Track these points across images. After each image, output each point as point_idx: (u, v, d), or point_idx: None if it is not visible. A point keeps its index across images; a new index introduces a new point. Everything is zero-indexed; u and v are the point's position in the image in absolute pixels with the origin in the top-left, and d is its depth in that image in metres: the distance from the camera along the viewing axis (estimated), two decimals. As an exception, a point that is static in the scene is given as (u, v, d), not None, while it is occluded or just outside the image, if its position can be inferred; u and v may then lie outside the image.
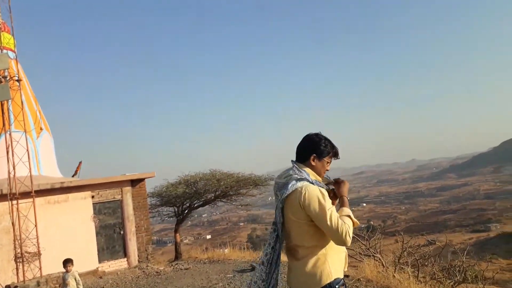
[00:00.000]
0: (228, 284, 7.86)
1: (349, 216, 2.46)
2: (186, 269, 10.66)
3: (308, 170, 2.62)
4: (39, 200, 10.36)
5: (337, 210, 2.51)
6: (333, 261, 2.47)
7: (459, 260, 10.12)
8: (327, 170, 2.72)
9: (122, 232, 11.95)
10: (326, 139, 2.70)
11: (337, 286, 2.42)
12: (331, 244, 2.48)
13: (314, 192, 2.44)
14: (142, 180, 12.61)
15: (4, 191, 9.96)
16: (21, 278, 9.55)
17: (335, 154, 2.72)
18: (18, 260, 9.67)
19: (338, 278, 2.44)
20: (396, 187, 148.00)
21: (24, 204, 10.07)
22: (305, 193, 2.44)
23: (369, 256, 9.64)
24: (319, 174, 2.66)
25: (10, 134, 10.54)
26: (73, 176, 13.56)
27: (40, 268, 9.80)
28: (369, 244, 10.45)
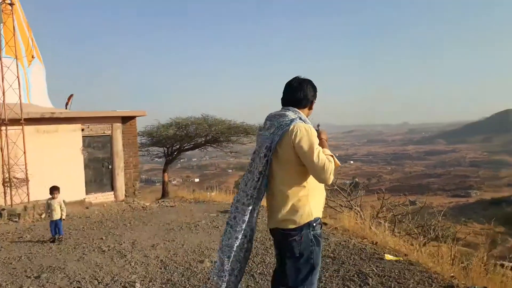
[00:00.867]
0: (211, 222, 8.14)
1: (332, 156, 2.56)
2: (172, 206, 10.96)
3: (302, 115, 2.69)
4: (28, 128, 10.36)
5: None
6: (314, 202, 2.60)
7: (436, 220, 10.52)
8: None
9: (110, 167, 12.11)
10: (312, 82, 2.79)
11: (314, 224, 2.57)
12: (313, 186, 2.60)
13: (305, 130, 2.51)
14: (133, 117, 12.60)
15: (-7, 116, 9.92)
16: (8, 202, 9.76)
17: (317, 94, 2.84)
18: (6, 185, 9.83)
19: (317, 217, 2.60)
20: (385, 148, 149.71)
21: (13, 131, 10.08)
22: (297, 131, 2.51)
23: (350, 208, 9.96)
24: (307, 116, 2.75)
25: (0, 59, 10.34)
26: (65, 107, 13.49)
27: (27, 194, 10.00)
28: (351, 197, 10.77)
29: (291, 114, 2.63)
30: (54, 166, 10.68)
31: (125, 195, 12.23)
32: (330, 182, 2.47)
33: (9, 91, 10.35)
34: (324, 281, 4.43)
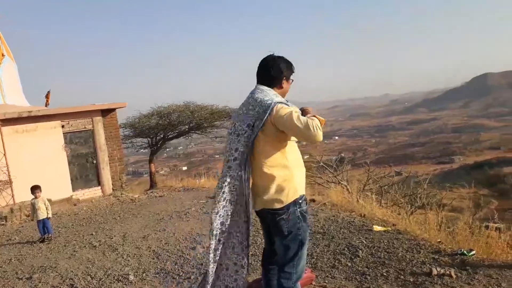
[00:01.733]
0: (200, 208, 8.15)
1: (316, 117, 2.56)
2: (161, 196, 10.93)
3: (277, 92, 2.71)
4: (6, 129, 10.16)
5: None
6: (297, 180, 2.64)
7: (421, 188, 10.73)
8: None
9: (95, 162, 11.97)
10: (284, 58, 2.76)
11: (300, 201, 2.64)
12: (294, 164, 2.64)
13: (282, 105, 2.55)
14: (113, 110, 12.42)
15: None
16: (-6, 206, 9.62)
17: (293, 71, 2.81)
18: (-11, 188, 9.67)
19: (302, 194, 2.66)
20: (368, 121, 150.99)
21: (-9, 133, 9.87)
22: (275, 110, 2.54)
23: (337, 183, 10.09)
24: (283, 94, 2.76)
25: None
26: (46, 106, 13.19)
27: (12, 196, 9.87)
28: (337, 172, 10.90)
29: (267, 96, 2.63)
30: (37, 166, 10.52)
31: (113, 189, 12.14)
32: (321, 138, 2.43)
33: (-18, 92, 10.09)
34: (315, 257, 4.51)
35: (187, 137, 18.64)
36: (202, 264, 4.67)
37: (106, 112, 12.20)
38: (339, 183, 10.14)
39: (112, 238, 6.53)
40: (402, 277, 3.71)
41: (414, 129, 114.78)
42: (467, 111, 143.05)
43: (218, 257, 2.71)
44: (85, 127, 11.82)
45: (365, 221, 5.90)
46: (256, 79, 2.77)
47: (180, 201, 9.54)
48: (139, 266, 4.91)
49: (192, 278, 4.29)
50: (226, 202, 2.66)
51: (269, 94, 2.64)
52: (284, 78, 2.73)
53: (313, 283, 3.80)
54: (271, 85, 2.71)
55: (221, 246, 2.71)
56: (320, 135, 2.42)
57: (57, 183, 10.87)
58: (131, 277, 4.52)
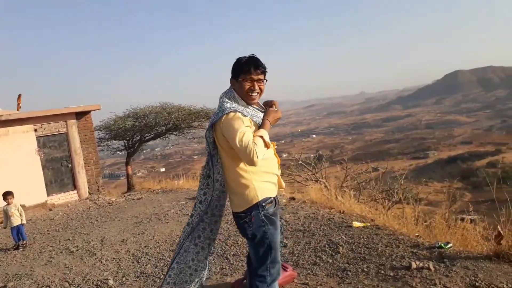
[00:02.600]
0: (180, 210, 8.07)
1: (261, 137, 2.45)
2: (139, 199, 10.77)
3: (236, 94, 2.65)
4: (-24, 134, 9.82)
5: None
6: (261, 183, 2.59)
7: (398, 183, 10.93)
8: (252, 90, 2.63)
9: (70, 165, 11.71)
10: (243, 57, 2.65)
11: (264, 204, 2.57)
12: (256, 168, 2.56)
13: (230, 116, 2.49)
14: (87, 112, 12.17)
15: None
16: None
17: (247, 69, 2.59)
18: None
19: (266, 197, 2.59)
20: (344, 119, 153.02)
21: (-40, 138, 9.52)
22: (224, 119, 2.51)
23: (315, 181, 10.16)
24: (243, 96, 2.64)
25: None
26: (17, 110, 12.80)
27: (-16, 203, 9.53)
28: (316, 170, 10.98)
29: (225, 100, 2.62)
30: (9, 171, 10.21)
31: (89, 193, 11.90)
32: (256, 164, 2.40)
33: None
34: (297, 254, 4.52)
35: (164, 138, 18.41)
36: (183, 266, 4.61)
37: (80, 115, 11.95)
38: (318, 180, 10.22)
39: (89, 242, 6.39)
40: (382, 272, 3.76)
41: (389, 126, 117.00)
42: (440, 107, 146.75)
43: (183, 252, 2.94)
44: (59, 131, 11.54)
45: (345, 217, 5.96)
46: None
47: (159, 203, 9.42)
48: (119, 271, 4.83)
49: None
50: (198, 200, 2.86)
51: (229, 98, 2.63)
52: (232, 81, 2.67)
53: (295, 280, 3.81)
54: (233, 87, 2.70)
55: (188, 242, 2.93)
56: (255, 162, 2.37)
57: (31, 188, 10.58)
58: (111, 282, 4.43)
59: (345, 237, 4.90)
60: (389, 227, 5.18)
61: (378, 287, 3.47)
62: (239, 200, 2.59)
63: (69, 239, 6.81)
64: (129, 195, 12.25)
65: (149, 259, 5.09)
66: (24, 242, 6.66)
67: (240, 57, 2.65)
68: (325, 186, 9.66)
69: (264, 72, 2.64)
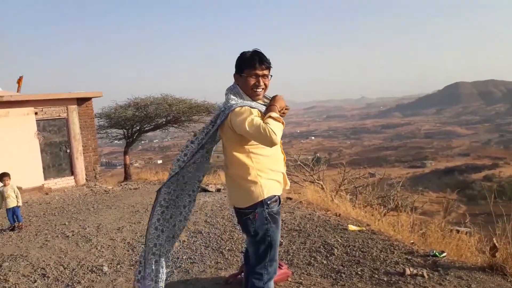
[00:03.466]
0: (176, 203, 8.09)
1: (271, 117, 2.43)
2: (135, 189, 10.79)
3: (241, 90, 2.64)
4: (-24, 113, 9.81)
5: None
6: (267, 180, 2.58)
7: (394, 190, 10.96)
8: (257, 85, 2.61)
9: (68, 151, 11.71)
10: (247, 52, 2.61)
11: (269, 202, 2.56)
12: (263, 165, 2.58)
13: (237, 110, 2.48)
14: (89, 99, 12.17)
15: None
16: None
17: (252, 64, 2.56)
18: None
19: (271, 195, 2.58)
20: (344, 123, 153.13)
21: (-40, 116, 9.51)
22: (231, 116, 2.49)
23: (312, 182, 10.19)
24: (246, 91, 2.62)
25: None
26: (17, 92, 12.79)
27: (-19, 183, 9.53)
28: (313, 172, 11.01)
29: (231, 97, 2.61)
30: (7, 152, 10.21)
31: (86, 179, 11.91)
32: (277, 142, 2.33)
33: (-48, 74, 9.70)
34: (291, 254, 4.55)
35: (163, 130, 18.40)
36: (178, 258, 4.64)
37: (81, 101, 11.94)
38: (315, 182, 10.25)
39: (85, 228, 6.40)
40: (376, 276, 3.79)
41: (388, 133, 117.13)
42: (439, 118, 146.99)
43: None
44: (59, 115, 11.54)
45: (340, 220, 5.98)
46: None
47: (156, 194, 9.44)
48: (114, 258, 4.85)
49: (168, 271, 4.26)
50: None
51: (234, 94, 2.62)
52: (236, 76, 2.65)
53: (289, 279, 3.83)
54: (237, 82, 2.68)
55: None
56: (274, 139, 2.30)
57: (29, 171, 10.58)
58: (105, 268, 4.45)
59: (340, 239, 4.93)
60: (385, 233, 5.21)
61: (371, 290, 3.50)
62: (244, 196, 2.56)
63: (65, 224, 6.82)
64: (126, 184, 12.25)
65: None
66: (20, 224, 6.68)
67: (243, 52, 2.62)
68: (322, 188, 9.70)
69: (268, 68, 2.62)
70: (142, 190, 10.49)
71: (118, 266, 4.53)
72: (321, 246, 4.73)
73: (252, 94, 2.61)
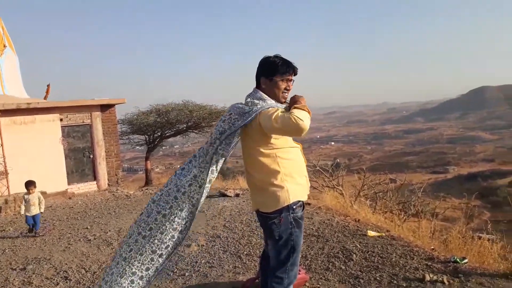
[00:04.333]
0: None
1: (296, 107, 2.42)
2: (156, 194, 10.93)
3: (263, 94, 2.66)
4: (4, 120, 10.13)
5: None
6: (293, 185, 2.60)
7: (415, 196, 10.79)
8: (287, 89, 2.69)
9: (91, 156, 11.97)
10: (274, 57, 2.67)
11: (294, 207, 2.59)
12: (290, 169, 2.60)
13: (266, 110, 2.51)
14: (112, 105, 12.43)
15: (-33, 109, 9.65)
16: (-12, 196, 9.59)
17: (285, 70, 2.64)
18: (-16, 178, 9.64)
19: (296, 200, 2.60)
20: (365, 128, 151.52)
21: (-11, 123, 9.85)
22: (260, 116, 2.52)
23: (332, 188, 10.13)
24: (275, 95, 2.67)
25: (-30, 49, 10.02)
26: (44, 99, 13.18)
27: (7, 187, 9.84)
28: (333, 177, 10.94)
29: (254, 102, 2.62)
30: (33, 158, 10.52)
31: (108, 184, 12.14)
32: (306, 128, 2.30)
33: (-19, 82, 10.07)
34: (309, 259, 4.54)
35: (184, 136, 18.65)
36: (196, 262, 4.70)
37: (105, 108, 12.21)
38: (334, 187, 10.19)
39: (107, 232, 6.53)
40: (395, 282, 3.75)
41: (410, 138, 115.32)
42: (463, 123, 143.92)
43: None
44: (83, 121, 11.82)
45: (360, 226, 5.94)
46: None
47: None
48: (134, 261, 4.92)
49: (186, 275, 4.32)
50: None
51: (257, 99, 2.64)
52: (262, 78, 2.67)
53: (307, 284, 3.83)
54: (257, 85, 2.71)
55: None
56: (302, 125, 2.28)
57: (53, 176, 10.87)
58: (126, 272, 4.53)
59: (359, 245, 4.90)
60: (404, 239, 5.15)
61: (390, 296, 3.47)
62: (270, 200, 2.57)
63: (87, 228, 6.97)
64: (147, 189, 12.44)
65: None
66: (37, 231, 6.64)
67: (269, 57, 2.68)
68: (341, 194, 9.64)
69: (295, 73, 2.72)
70: (162, 195, 10.62)
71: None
72: (340, 252, 4.71)
73: (281, 97, 2.68)
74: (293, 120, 2.29)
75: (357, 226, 5.87)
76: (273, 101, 2.65)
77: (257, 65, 2.72)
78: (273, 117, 2.40)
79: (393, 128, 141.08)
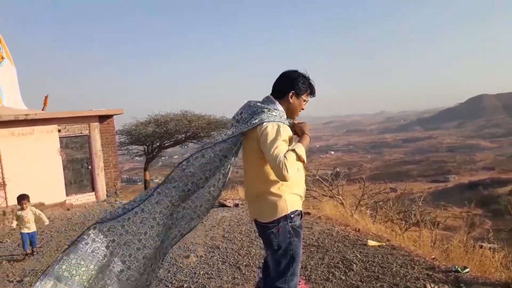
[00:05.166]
0: (194, 218, 8.11)
1: (294, 151, 2.40)
2: (154, 204, 10.87)
3: (281, 107, 2.65)
4: (2, 132, 10.12)
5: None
6: (291, 195, 2.59)
7: (416, 205, 10.74)
8: (303, 109, 2.75)
9: (90, 167, 11.93)
10: (304, 76, 2.69)
11: (292, 216, 2.57)
12: (294, 181, 2.55)
13: (273, 127, 2.48)
14: (110, 116, 12.43)
15: (-35, 120, 9.64)
16: (-14, 208, 9.53)
17: (311, 91, 2.73)
18: (-18, 190, 9.60)
19: (294, 209, 2.58)
20: (364, 137, 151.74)
21: (-13, 134, 9.83)
22: (265, 127, 2.48)
23: (331, 197, 10.08)
24: (295, 112, 2.72)
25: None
26: (42, 110, 13.19)
27: (5, 199, 9.78)
28: (332, 187, 10.90)
29: (267, 109, 2.59)
30: (32, 169, 10.48)
31: (107, 195, 12.08)
32: (287, 179, 2.34)
33: (-20, 93, 10.08)
34: (309, 269, 4.49)
35: (183, 146, 18.65)
36: (195, 273, 4.64)
37: (103, 118, 12.20)
38: (334, 197, 10.14)
39: (105, 244, 6.46)
40: (396, 292, 3.70)
41: (409, 147, 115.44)
42: (462, 131, 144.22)
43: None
44: (81, 132, 11.80)
45: (360, 235, 5.89)
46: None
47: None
48: (132, 273, 4.87)
49: (185, 286, 4.26)
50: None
51: (269, 108, 2.60)
52: (292, 93, 2.65)
53: (307, 295, 3.78)
54: (277, 96, 2.67)
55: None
56: (285, 176, 2.31)
57: (51, 187, 10.82)
58: (124, 284, 4.47)
59: (360, 255, 4.85)
60: (405, 248, 5.10)
61: (391, 307, 3.42)
62: (268, 210, 2.56)
63: (85, 239, 6.90)
64: (146, 200, 12.36)
65: (162, 264, 5.12)
66: (35, 249, 6.11)
67: (304, 74, 2.68)
68: (341, 203, 9.59)
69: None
70: (161, 205, 10.56)
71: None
72: (340, 262, 4.66)
73: (295, 114, 2.74)
74: (281, 167, 2.30)
75: (358, 236, 5.83)
76: (284, 115, 2.64)
77: (286, 77, 2.68)
78: (273, 146, 2.38)
79: (392, 137, 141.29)
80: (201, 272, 4.68)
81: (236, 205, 8.91)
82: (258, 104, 2.64)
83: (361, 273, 4.27)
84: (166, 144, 17.35)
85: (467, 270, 4.07)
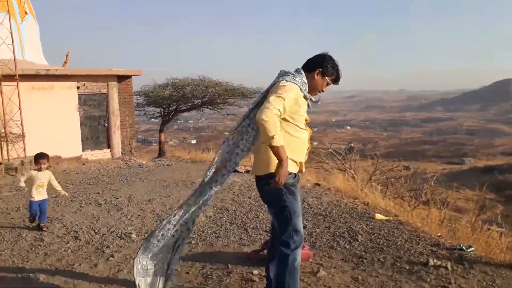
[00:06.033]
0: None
1: (279, 148, 2.49)
2: (168, 165, 11.06)
3: (306, 80, 2.81)
4: (23, 85, 10.26)
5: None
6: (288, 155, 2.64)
7: (428, 184, 10.68)
8: (323, 91, 2.90)
9: (106, 125, 12.10)
10: (335, 62, 2.87)
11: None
12: (288, 144, 2.64)
13: (288, 84, 2.63)
14: (129, 77, 12.49)
15: (-13, 71, 9.80)
16: (5, 157, 9.81)
17: (336, 78, 2.90)
18: (2, 140, 9.84)
19: (290, 172, 2.66)
20: (383, 114, 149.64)
21: (8, 87, 9.97)
22: (281, 82, 2.66)
23: (343, 170, 10.10)
24: (315, 89, 2.87)
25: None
26: (63, 67, 13.31)
27: (24, 149, 10.04)
28: (345, 161, 10.89)
29: (293, 74, 2.75)
30: (50, 123, 10.68)
31: (122, 153, 12.31)
32: (259, 122, 2.44)
33: (2, 46, 10.16)
34: (315, 236, 4.57)
35: (199, 111, 18.67)
36: (203, 231, 4.76)
37: (122, 78, 12.28)
38: (346, 170, 10.14)
39: (118, 198, 6.66)
40: (398, 264, 3.75)
41: (428, 127, 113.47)
42: (484, 114, 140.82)
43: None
44: (100, 91, 11.91)
45: (368, 209, 5.93)
46: None
47: (187, 171, 9.65)
48: (142, 227, 5.03)
49: (192, 243, 4.39)
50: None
51: (295, 75, 2.75)
52: (319, 71, 2.81)
53: (310, 260, 3.86)
54: (306, 70, 2.83)
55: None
56: (260, 120, 2.43)
57: (68, 141, 11.06)
58: (134, 236, 4.64)
59: (366, 227, 4.89)
60: (412, 224, 5.13)
61: (392, 277, 3.48)
62: (263, 164, 2.73)
63: (98, 193, 7.11)
64: (160, 160, 12.59)
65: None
66: (44, 223, 5.03)
67: (332, 57, 2.85)
68: (353, 177, 9.59)
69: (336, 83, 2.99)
70: (174, 166, 10.74)
71: (146, 235, 4.68)
72: (345, 232, 4.72)
73: (314, 91, 2.87)
74: (264, 110, 2.45)
75: (366, 209, 5.87)
76: (306, 87, 2.79)
77: (320, 56, 2.86)
78: (277, 96, 2.54)
79: (412, 116, 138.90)
80: (209, 231, 4.80)
81: (248, 171, 8.99)
82: (287, 70, 2.81)
83: (366, 244, 4.32)
84: (182, 108, 17.38)
85: (471, 249, 4.08)
